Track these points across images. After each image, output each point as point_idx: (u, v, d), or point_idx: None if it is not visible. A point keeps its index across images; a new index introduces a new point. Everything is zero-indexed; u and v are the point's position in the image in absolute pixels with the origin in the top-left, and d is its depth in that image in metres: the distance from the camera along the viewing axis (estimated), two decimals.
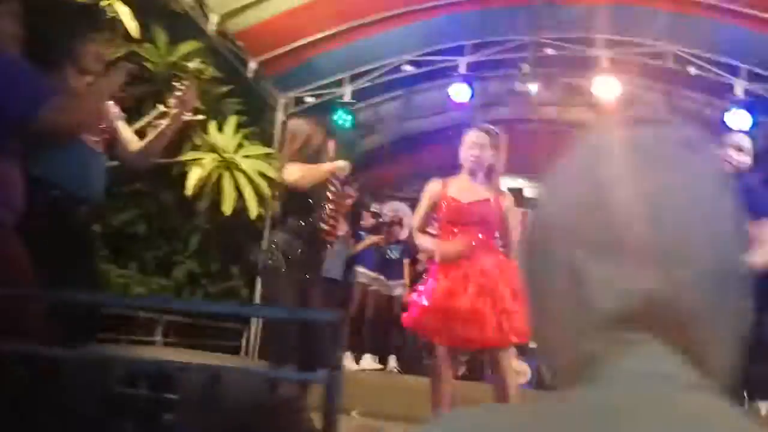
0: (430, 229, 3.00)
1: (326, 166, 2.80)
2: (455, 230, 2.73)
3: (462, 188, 2.77)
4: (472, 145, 2.77)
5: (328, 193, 2.84)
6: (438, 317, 2.61)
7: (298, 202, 2.77)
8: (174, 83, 2.32)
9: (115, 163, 2.40)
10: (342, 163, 2.85)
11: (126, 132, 2.38)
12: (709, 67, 5.15)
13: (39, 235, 1.78)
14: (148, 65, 4.66)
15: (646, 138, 0.50)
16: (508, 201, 2.84)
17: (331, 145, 3.03)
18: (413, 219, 2.85)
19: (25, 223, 1.76)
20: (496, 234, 2.80)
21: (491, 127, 2.99)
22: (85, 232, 2.30)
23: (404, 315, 2.83)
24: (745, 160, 2.62)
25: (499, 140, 2.85)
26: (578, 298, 0.50)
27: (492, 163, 2.79)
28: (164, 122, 2.34)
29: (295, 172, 2.73)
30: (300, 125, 2.94)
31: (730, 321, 0.50)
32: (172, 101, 2.32)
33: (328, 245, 2.92)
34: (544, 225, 0.53)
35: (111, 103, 2.26)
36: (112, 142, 2.31)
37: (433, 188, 2.85)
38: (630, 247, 0.48)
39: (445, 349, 2.62)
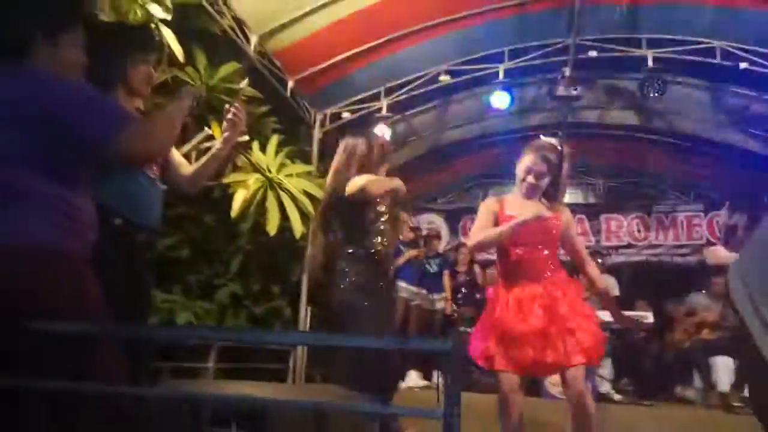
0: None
1: (391, 181, 2.71)
2: (517, 251, 2.57)
3: (520, 206, 2.60)
4: (528, 170, 2.58)
5: (384, 213, 2.75)
6: (501, 343, 2.47)
7: (357, 227, 2.70)
8: (226, 106, 2.26)
9: (163, 187, 2.35)
10: (401, 183, 2.75)
11: (177, 156, 2.33)
12: (759, 60, 4.97)
13: (102, 266, 1.70)
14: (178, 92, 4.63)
15: None
16: (566, 215, 2.67)
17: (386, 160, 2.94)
18: (471, 239, 2.70)
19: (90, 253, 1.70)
20: (560, 251, 2.65)
21: (552, 141, 2.74)
22: (145, 260, 2.24)
23: (469, 347, 2.68)
24: None
25: (562, 154, 2.63)
26: None
27: (551, 180, 2.63)
28: (216, 146, 2.29)
29: (361, 180, 2.65)
30: (358, 141, 2.87)
31: None
32: (224, 125, 2.26)
33: (391, 267, 2.83)
34: None
35: None
36: (164, 166, 2.25)
37: (490, 207, 2.67)
38: None
39: (511, 376, 2.45)
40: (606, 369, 5.12)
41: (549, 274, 2.55)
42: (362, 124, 6.10)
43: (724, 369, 4.45)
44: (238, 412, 1.58)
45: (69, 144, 1.52)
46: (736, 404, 4.28)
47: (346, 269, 2.66)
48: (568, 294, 2.49)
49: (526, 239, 2.56)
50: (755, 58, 5.02)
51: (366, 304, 2.52)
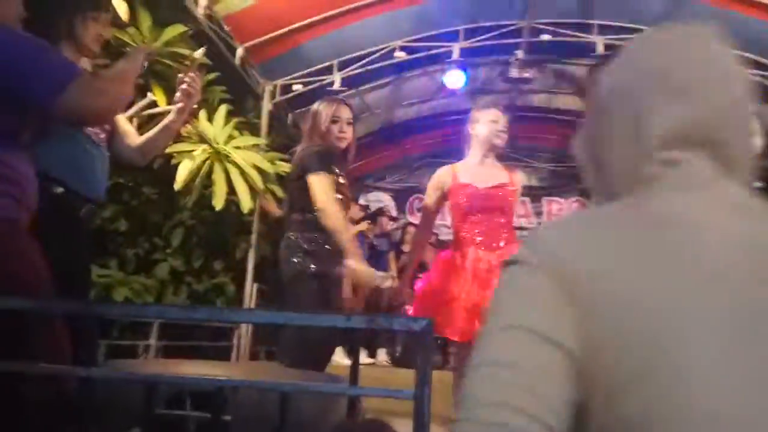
0: (442, 221, 2.88)
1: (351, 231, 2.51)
2: (473, 219, 2.56)
3: (474, 173, 2.59)
4: (495, 120, 2.61)
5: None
6: (462, 312, 2.44)
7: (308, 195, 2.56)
8: (180, 75, 2.12)
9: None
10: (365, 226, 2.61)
11: (123, 124, 2.17)
12: None
13: (41, 239, 1.56)
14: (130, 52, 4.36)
15: (688, 29, 0.71)
16: (518, 178, 2.70)
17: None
18: (422, 213, 2.66)
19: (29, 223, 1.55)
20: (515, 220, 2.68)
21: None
22: (89, 235, 2.08)
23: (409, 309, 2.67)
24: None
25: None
26: (638, 134, 0.69)
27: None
28: (170, 117, 2.14)
29: (325, 200, 2.37)
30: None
31: (748, 140, 0.71)
32: (178, 95, 2.11)
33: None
34: (613, 88, 0.73)
35: None
36: (110, 134, 2.09)
37: (441, 178, 2.67)
38: (680, 87, 0.68)
39: (461, 343, 2.46)
40: None
41: (503, 243, 2.53)
42: (314, 97, 5.95)
43: None
44: (192, 393, 1.49)
45: (10, 99, 1.37)
46: None
47: (297, 238, 2.53)
48: None
49: (483, 206, 2.55)
50: None
51: (313, 268, 2.36)
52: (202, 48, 2.46)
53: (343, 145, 2.56)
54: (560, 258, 0.61)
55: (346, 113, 2.57)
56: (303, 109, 6.26)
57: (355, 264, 2.32)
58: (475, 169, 2.61)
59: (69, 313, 1.43)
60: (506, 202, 2.57)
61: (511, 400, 0.55)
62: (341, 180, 2.53)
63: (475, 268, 2.49)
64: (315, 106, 2.62)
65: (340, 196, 2.46)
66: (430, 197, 2.72)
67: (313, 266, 2.35)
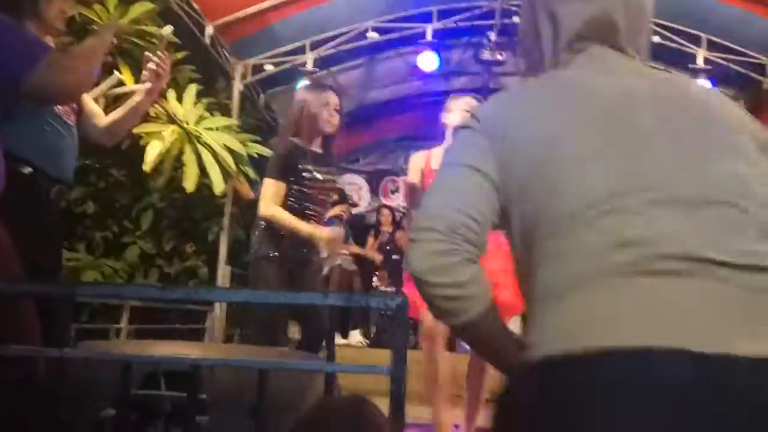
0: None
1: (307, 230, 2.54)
2: None
3: None
4: (466, 106, 2.67)
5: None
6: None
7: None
8: (147, 54, 2.07)
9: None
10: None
11: (90, 104, 2.12)
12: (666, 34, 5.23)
13: (10, 218, 1.53)
14: (98, 29, 4.23)
15: None
16: None
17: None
18: (410, 192, 2.78)
19: None
20: None
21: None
22: (57, 217, 2.04)
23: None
24: None
25: None
26: (555, 29, 0.96)
27: None
28: (136, 98, 2.10)
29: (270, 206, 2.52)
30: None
31: (644, 35, 0.99)
32: (145, 74, 2.06)
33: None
34: None
35: None
36: (77, 114, 2.04)
37: (416, 163, 2.76)
38: None
39: (434, 323, 2.49)
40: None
41: None
42: (286, 78, 5.88)
43: None
44: (167, 374, 1.48)
45: None
46: None
47: (262, 223, 2.58)
48: (496, 249, 2.57)
49: None
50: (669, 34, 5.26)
51: (275, 254, 2.47)
52: (169, 26, 2.40)
53: (331, 130, 2.62)
54: (491, 122, 0.90)
55: (334, 99, 2.66)
56: (276, 89, 6.19)
57: (318, 233, 2.52)
58: None
59: (44, 294, 1.41)
60: None
61: (451, 203, 0.84)
62: (318, 176, 2.61)
63: None
64: (301, 94, 2.67)
65: (309, 192, 2.56)
66: (414, 177, 2.80)
67: (272, 252, 2.47)
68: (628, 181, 0.74)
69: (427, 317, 2.52)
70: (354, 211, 7.17)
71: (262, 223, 2.56)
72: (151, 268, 5.71)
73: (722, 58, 5.12)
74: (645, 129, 0.79)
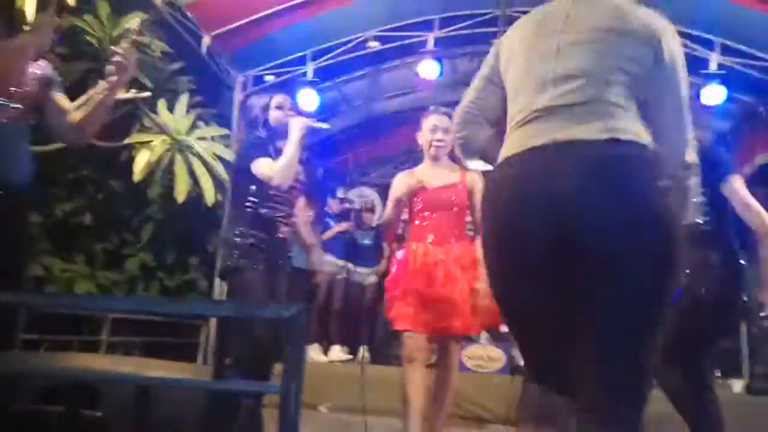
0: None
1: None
2: (426, 215, 2.69)
3: (428, 174, 2.71)
4: (434, 128, 2.69)
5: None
6: (411, 304, 2.53)
7: (247, 189, 2.54)
8: (112, 47, 1.99)
9: (58, 146, 2.04)
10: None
11: (62, 102, 2.02)
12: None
13: None
14: (91, 39, 4.24)
15: None
16: (471, 177, 2.73)
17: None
18: (384, 214, 2.77)
19: None
20: (468, 218, 2.73)
21: (447, 110, 2.88)
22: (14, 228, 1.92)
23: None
24: None
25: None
26: None
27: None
28: (97, 90, 2.01)
29: (267, 169, 2.47)
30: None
31: None
32: (110, 68, 1.98)
33: (287, 233, 2.67)
34: None
35: (43, 63, 1.90)
36: (45, 111, 1.95)
37: (399, 182, 2.77)
38: None
39: (420, 337, 2.53)
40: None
41: (453, 240, 2.63)
42: (287, 88, 5.82)
43: None
44: (67, 389, 1.37)
45: None
46: None
47: (243, 230, 2.50)
48: (462, 262, 2.54)
49: (434, 205, 2.68)
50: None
51: (255, 267, 2.38)
52: (137, 18, 2.32)
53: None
54: (502, 40, 1.46)
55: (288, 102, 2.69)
56: None
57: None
58: (429, 170, 2.74)
59: (28, 305, 1.31)
60: (457, 201, 2.68)
61: (470, 99, 1.50)
62: None
63: (424, 263, 2.59)
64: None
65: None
66: (390, 200, 2.82)
67: (232, 262, 2.42)
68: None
69: (408, 341, 2.52)
70: (374, 224, 6.96)
71: (237, 231, 2.49)
72: (151, 280, 5.68)
73: (737, 63, 4.86)
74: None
